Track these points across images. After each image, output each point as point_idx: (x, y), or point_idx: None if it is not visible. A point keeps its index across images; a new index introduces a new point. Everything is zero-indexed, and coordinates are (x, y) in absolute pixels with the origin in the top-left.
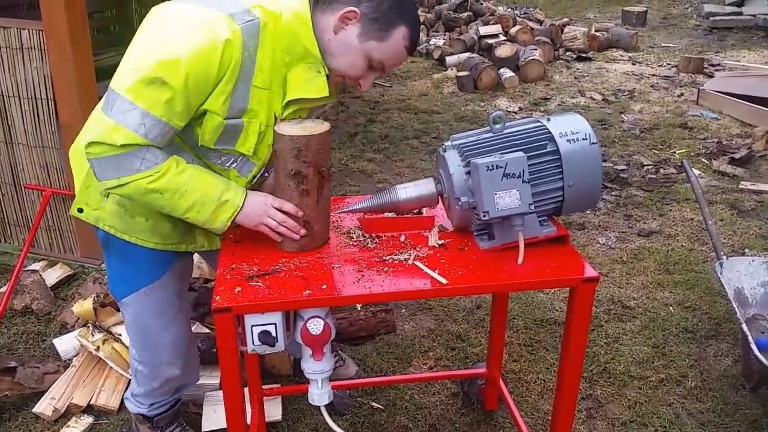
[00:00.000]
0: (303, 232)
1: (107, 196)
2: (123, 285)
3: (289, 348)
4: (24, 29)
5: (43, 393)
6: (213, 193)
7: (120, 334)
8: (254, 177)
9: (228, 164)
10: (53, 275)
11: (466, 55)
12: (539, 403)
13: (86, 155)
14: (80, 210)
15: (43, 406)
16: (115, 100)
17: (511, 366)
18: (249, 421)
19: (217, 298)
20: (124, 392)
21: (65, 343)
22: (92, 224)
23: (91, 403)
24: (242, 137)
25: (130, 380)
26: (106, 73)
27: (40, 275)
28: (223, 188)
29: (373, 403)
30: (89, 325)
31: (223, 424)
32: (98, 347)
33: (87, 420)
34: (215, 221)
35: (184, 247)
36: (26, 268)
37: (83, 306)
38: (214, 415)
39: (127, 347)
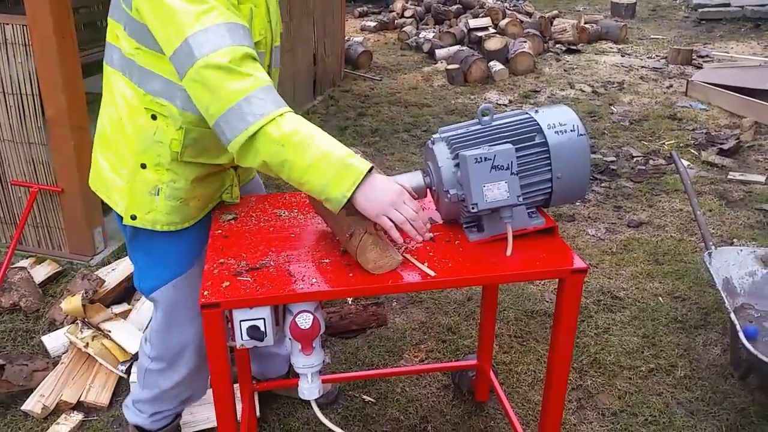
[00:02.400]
0: (429, 235)
1: (157, 194)
2: (151, 279)
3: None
4: (8, 24)
5: (31, 390)
6: (336, 152)
7: (110, 331)
8: (269, 67)
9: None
10: (41, 272)
11: (456, 48)
12: (530, 394)
13: (212, 115)
14: (134, 217)
15: (32, 404)
16: (189, 47)
17: (502, 357)
18: (239, 416)
19: (206, 293)
20: (125, 400)
21: (54, 340)
22: (139, 227)
23: (81, 400)
24: (253, 24)
25: (121, 381)
26: (93, 68)
27: (28, 272)
28: (348, 152)
29: (364, 396)
30: (78, 321)
31: (201, 426)
32: (87, 344)
33: (77, 417)
34: (335, 188)
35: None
36: (14, 265)
37: (72, 303)
38: (190, 417)
39: (116, 343)
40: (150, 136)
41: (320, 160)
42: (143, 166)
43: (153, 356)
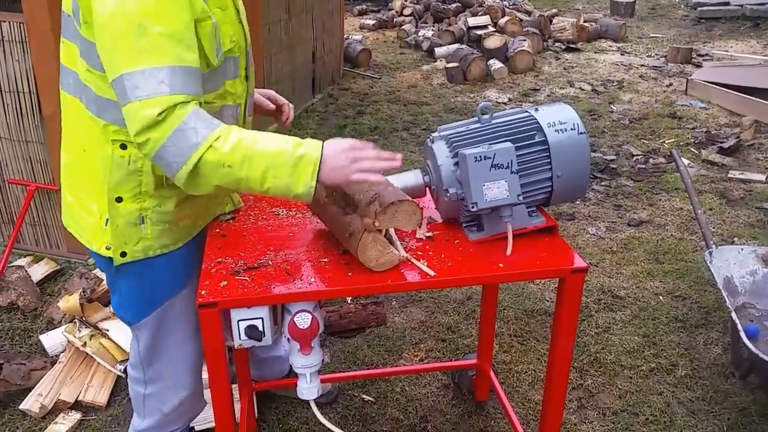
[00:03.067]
0: (399, 156)
1: (142, 222)
2: (140, 307)
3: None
4: (5, 22)
5: (29, 390)
6: (285, 150)
7: (108, 330)
8: (246, 69)
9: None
10: (39, 271)
11: (455, 46)
12: (530, 394)
13: (148, 158)
14: (124, 254)
15: (30, 403)
16: (123, 84)
17: (502, 357)
18: (238, 417)
19: (203, 292)
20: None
21: (52, 339)
22: (129, 261)
23: (79, 399)
24: (222, 33)
25: (120, 380)
26: None
27: (26, 271)
28: (295, 143)
29: (364, 396)
30: (76, 320)
31: (200, 426)
32: (85, 343)
33: (75, 416)
34: (298, 183)
35: (213, 211)
36: (11, 264)
37: (70, 301)
38: None
39: (114, 342)
40: (125, 167)
41: (272, 164)
42: (119, 199)
43: (148, 378)
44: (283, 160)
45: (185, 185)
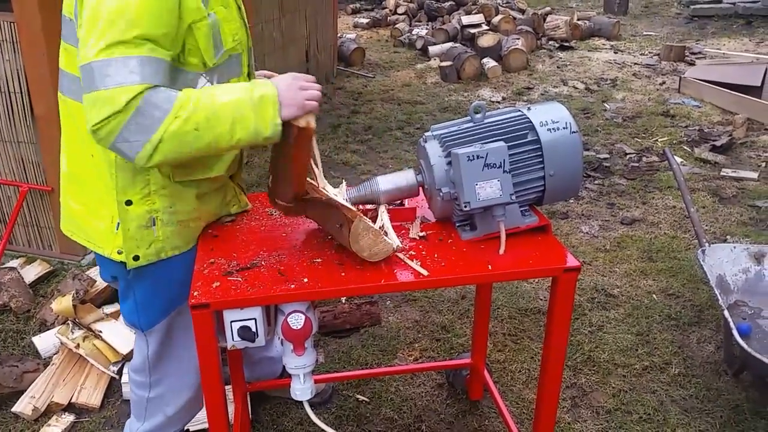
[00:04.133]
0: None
1: (153, 224)
2: (154, 312)
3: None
4: None
5: (22, 392)
6: (243, 97)
7: (101, 331)
8: (249, 67)
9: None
10: (32, 272)
11: (449, 44)
12: (524, 392)
13: (104, 144)
14: (136, 258)
15: (23, 405)
16: (92, 71)
17: (496, 356)
18: (232, 417)
19: (195, 293)
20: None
21: (45, 341)
22: (143, 264)
23: (72, 401)
24: (222, 31)
25: (113, 382)
26: None
27: (18, 272)
28: (249, 87)
29: (358, 396)
30: (69, 322)
31: (194, 426)
32: (78, 344)
33: (68, 418)
34: (265, 125)
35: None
36: (4, 266)
37: (63, 303)
38: None
39: (107, 344)
40: (131, 168)
41: (238, 115)
42: (128, 203)
43: (153, 381)
44: (245, 107)
45: (152, 162)
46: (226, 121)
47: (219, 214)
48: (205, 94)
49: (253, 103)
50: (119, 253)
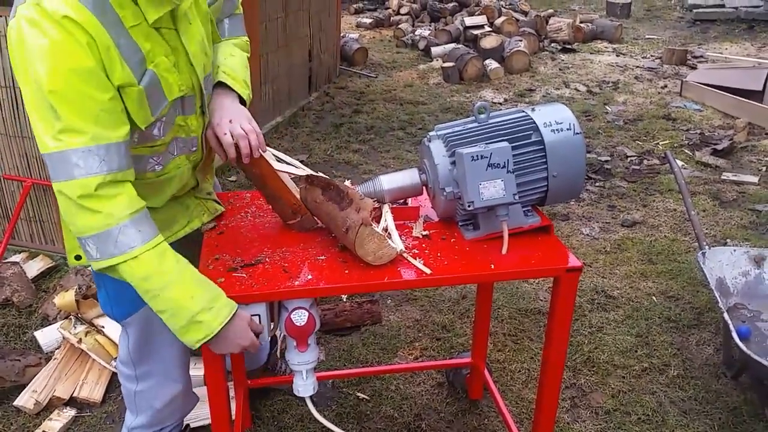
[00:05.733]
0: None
1: None
2: (125, 304)
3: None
4: (1, 16)
5: (24, 386)
6: (188, 308)
7: (103, 326)
8: (202, 107)
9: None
10: (34, 267)
11: (452, 45)
12: (523, 392)
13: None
14: (78, 257)
15: (25, 399)
16: (46, 164)
17: (496, 356)
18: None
19: None
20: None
21: (47, 336)
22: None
23: (74, 395)
24: (164, 84)
25: (115, 377)
26: None
27: (21, 267)
28: (204, 306)
29: (358, 394)
30: (71, 317)
31: (195, 422)
32: (80, 339)
33: (69, 413)
34: (184, 336)
35: (182, 230)
36: (6, 260)
37: (65, 298)
38: None
39: (109, 339)
40: None
41: (172, 312)
42: (77, 257)
43: (139, 374)
44: (181, 314)
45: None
46: (162, 304)
47: (177, 230)
48: (167, 273)
49: (189, 321)
50: (76, 258)
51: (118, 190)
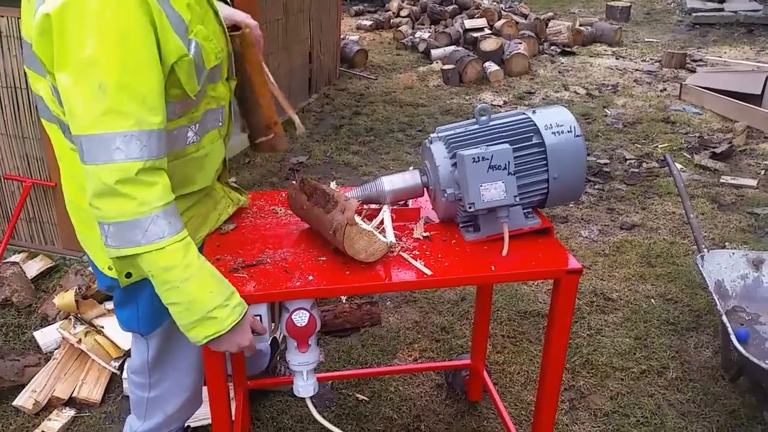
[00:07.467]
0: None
1: None
2: (155, 319)
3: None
4: (2, 16)
5: (23, 386)
6: (205, 303)
7: (102, 327)
8: (228, 71)
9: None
10: (34, 267)
11: (452, 48)
12: (523, 394)
13: (95, 218)
14: (128, 275)
15: (24, 399)
16: (81, 146)
17: (495, 357)
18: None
19: None
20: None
21: (46, 336)
22: (136, 280)
23: (73, 395)
24: (204, 54)
25: (114, 377)
26: None
27: (21, 267)
28: (220, 302)
29: (358, 395)
30: (71, 317)
31: (194, 423)
32: (80, 339)
33: (69, 413)
34: (192, 331)
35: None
36: (6, 260)
37: (65, 298)
38: None
39: (109, 339)
40: None
41: (186, 305)
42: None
43: (153, 381)
44: (195, 308)
45: (115, 261)
46: (176, 296)
47: (211, 224)
48: (189, 269)
49: (204, 315)
50: (110, 268)
51: (156, 179)
